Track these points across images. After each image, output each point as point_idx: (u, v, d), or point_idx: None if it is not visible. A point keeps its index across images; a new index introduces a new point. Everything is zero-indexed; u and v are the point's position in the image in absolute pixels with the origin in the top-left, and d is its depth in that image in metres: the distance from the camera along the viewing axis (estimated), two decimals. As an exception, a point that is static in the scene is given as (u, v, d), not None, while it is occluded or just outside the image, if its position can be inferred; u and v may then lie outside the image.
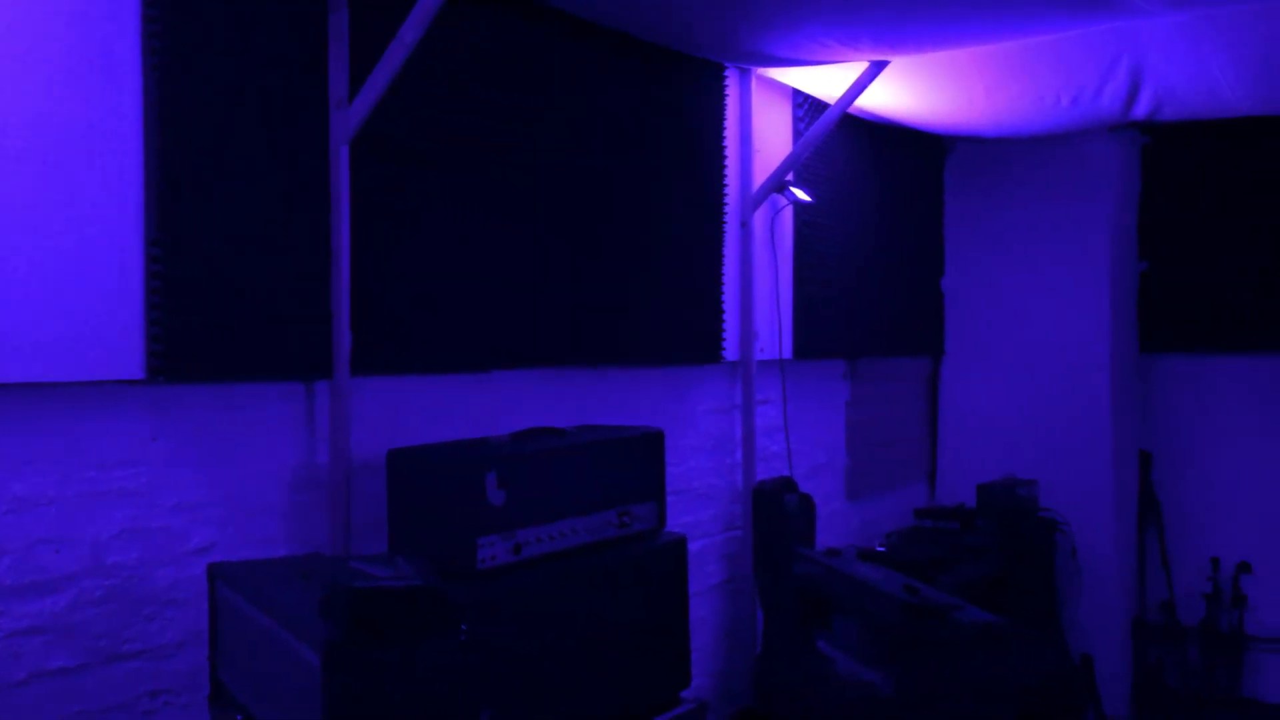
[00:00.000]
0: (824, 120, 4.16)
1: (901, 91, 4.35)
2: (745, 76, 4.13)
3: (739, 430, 4.27)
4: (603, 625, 2.94)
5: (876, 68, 3.84)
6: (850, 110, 4.44)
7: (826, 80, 4.18)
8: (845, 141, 4.78)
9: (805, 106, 4.51)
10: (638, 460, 3.16)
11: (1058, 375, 5.34)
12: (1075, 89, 4.27)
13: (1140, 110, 4.47)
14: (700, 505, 4.08)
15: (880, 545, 4.69)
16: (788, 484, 4.25)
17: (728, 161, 4.06)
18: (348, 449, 2.74)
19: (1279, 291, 5.23)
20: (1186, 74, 4.08)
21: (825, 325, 4.66)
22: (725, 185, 4.06)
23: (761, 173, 4.21)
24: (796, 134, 4.46)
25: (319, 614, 1.82)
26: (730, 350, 4.13)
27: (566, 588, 2.83)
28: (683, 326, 3.90)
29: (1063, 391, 5.32)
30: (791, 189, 4.28)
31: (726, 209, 4.08)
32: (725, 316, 4.08)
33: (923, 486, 5.68)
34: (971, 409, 5.60)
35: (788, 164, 4.20)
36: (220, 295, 2.49)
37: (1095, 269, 5.27)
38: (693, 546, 3.97)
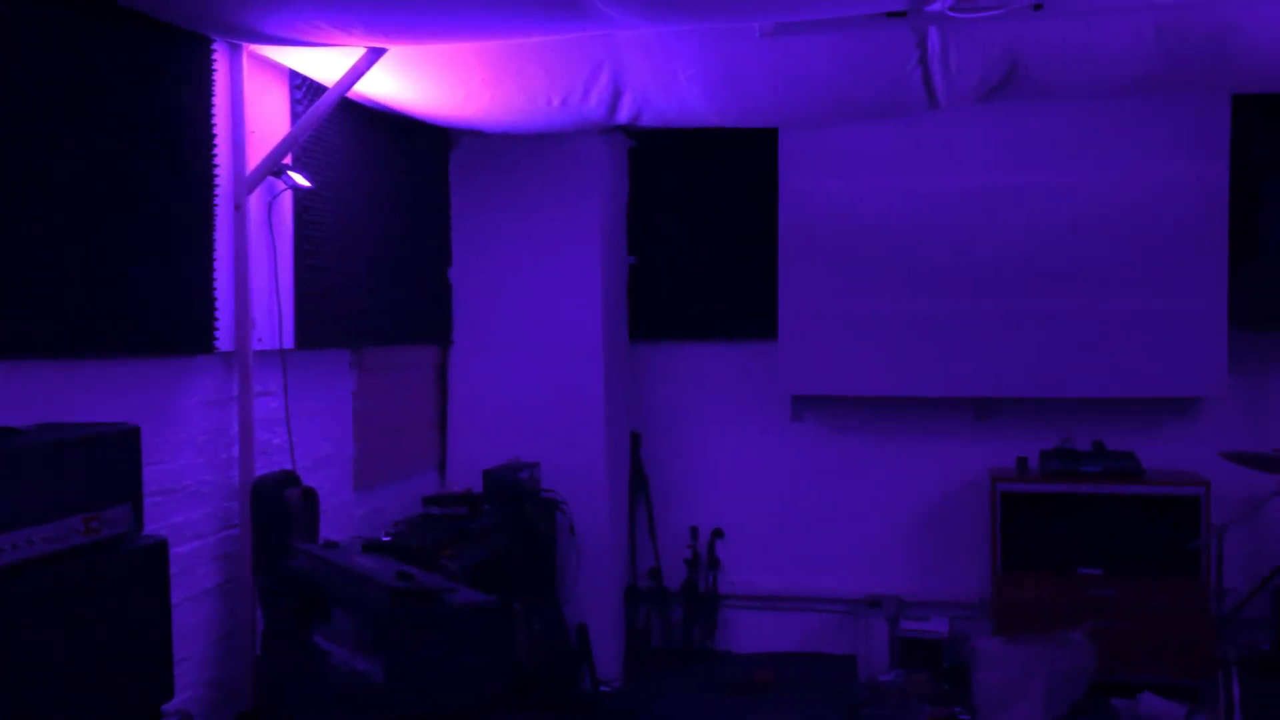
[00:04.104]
0: (322, 104, 4.07)
1: (404, 81, 4.36)
2: (236, 53, 3.93)
3: (236, 424, 4.07)
4: (67, 643, 2.68)
5: (374, 54, 3.82)
6: (356, 98, 4.39)
7: (326, 64, 4.09)
8: (351, 129, 4.70)
9: (304, 89, 4.38)
10: (109, 460, 2.90)
11: (557, 363, 5.64)
12: (564, 91, 4.51)
13: (623, 116, 4.81)
14: (192, 504, 3.84)
15: (386, 535, 4.69)
16: (289, 478, 4.12)
17: (218, 141, 3.84)
18: None
19: (745, 287, 5.91)
20: (660, 85, 4.46)
21: (329, 314, 4.57)
22: (216, 166, 3.84)
23: (256, 155, 4.03)
24: (295, 117, 4.32)
25: None
26: (224, 340, 3.91)
27: (20, 606, 2.54)
28: (168, 314, 3.63)
29: (562, 378, 5.63)
30: (290, 173, 4.14)
31: (218, 191, 3.86)
32: (218, 304, 3.86)
33: (434, 474, 5.76)
34: (480, 396, 5.77)
35: (284, 146, 4.05)
36: None
37: (589, 263, 5.62)
38: (184, 549, 3.73)
